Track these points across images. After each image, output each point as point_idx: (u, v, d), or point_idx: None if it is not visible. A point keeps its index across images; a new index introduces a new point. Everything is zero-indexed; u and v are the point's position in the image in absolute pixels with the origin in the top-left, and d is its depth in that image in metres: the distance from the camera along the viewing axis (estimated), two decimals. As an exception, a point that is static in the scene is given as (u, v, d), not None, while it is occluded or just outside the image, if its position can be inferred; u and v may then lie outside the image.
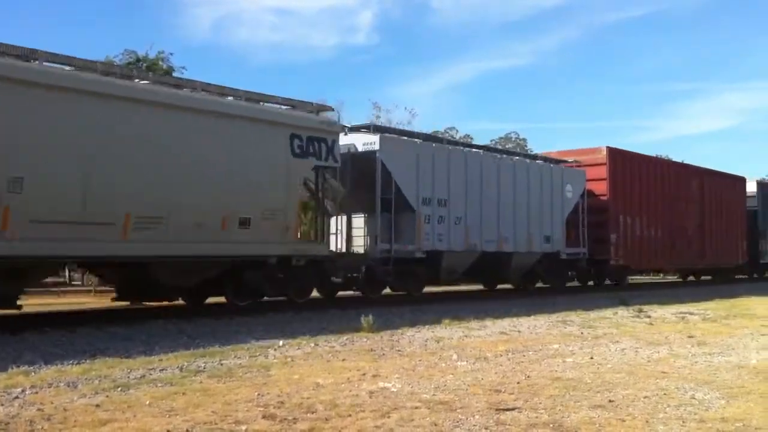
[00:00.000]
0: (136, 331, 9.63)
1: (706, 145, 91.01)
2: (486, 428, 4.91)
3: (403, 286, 15.77)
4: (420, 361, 7.69)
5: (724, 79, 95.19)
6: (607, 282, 23.24)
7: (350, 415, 5.16)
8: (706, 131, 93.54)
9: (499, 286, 22.33)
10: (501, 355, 8.16)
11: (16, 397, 5.60)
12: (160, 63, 26.42)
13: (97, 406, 5.35)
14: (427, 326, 10.78)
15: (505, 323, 11.45)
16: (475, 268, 17.29)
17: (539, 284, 20.81)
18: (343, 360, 7.70)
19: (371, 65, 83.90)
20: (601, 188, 21.54)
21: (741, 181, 29.76)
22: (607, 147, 21.90)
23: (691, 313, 13.80)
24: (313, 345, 8.71)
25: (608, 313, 13.58)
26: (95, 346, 8.39)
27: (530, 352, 8.44)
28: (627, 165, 22.38)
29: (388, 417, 5.13)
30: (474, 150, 17.96)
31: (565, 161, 21.24)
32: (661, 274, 33.33)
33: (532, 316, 12.59)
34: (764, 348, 9.05)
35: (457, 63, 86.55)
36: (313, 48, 79.68)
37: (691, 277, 32.07)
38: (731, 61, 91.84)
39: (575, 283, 22.62)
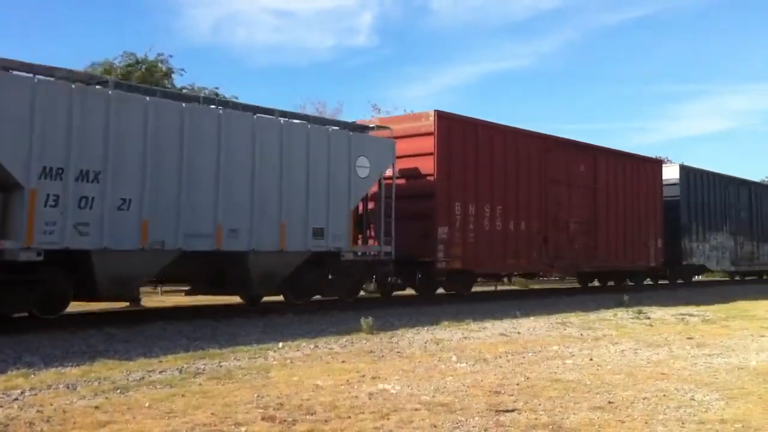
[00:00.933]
0: (135, 333, 9.62)
1: (706, 147, 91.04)
2: (485, 430, 4.90)
3: None
4: (419, 362, 7.69)
5: (724, 80, 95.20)
6: (442, 291, 17.35)
7: (350, 417, 5.16)
8: (707, 133, 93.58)
9: (500, 287, 22.34)
10: (500, 357, 8.15)
11: (16, 399, 5.60)
12: (160, 65, 26.46)
13: (97, 407, 5.34)
14: (426, 328, 10.78)
15: (505, 325, 11.45)
16: (192, 273, 12.35)
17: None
18: (343, 362, 7.70)
19: (370, 67, 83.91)
20: (428, 166, 15.51)
21: (655, 164, 24.04)
22: (436, 111, 15.58)
23: (690, 315, 13.80)
24: (312, 347, 8.71)
25: (608, 314, 13.58)
26: (94, 347, 8.39)
27: (530, 354, 8.44)
28: (468, 136, 16.20)
29: (388, 419, 5.13)
30: (167, 100, 11.40)
31: (368, 128, 15.54)
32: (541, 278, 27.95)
33: (532, 318, 12.58)
34: (764, 349, 9.06)
35: (456, 65, 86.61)
36: (312, 49, 79.65)
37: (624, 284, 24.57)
38: (731, 62, 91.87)
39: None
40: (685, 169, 25.55)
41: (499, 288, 22.74)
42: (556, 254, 18.77)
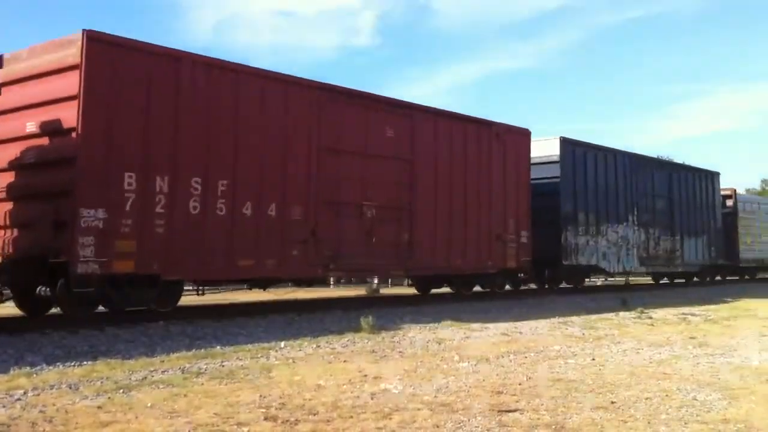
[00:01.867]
0: (137, 333, 9.62)
1: (708, 147, 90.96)
2: (488, 430, 4.90)
3: None
4: (421, 362, 7.69)
5: (726, 80, 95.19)
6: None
7: (352, 417, 5.16)
8: (708, 133, 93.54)
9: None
10: (502, 357, 8.15)
11: (18, 399, 5.60)
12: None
13: (99, 407, 5.35)
14: (428, 327, 10.78)
15: (507, 324, 11.45)
16: None
17: (528, 285, 20.18)
18: (345, 361, 7.70)
19: (373, 66, 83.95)
20: (71, 118, 9.77)
21: (518, 135, 17.08)
22: (86, 32, 9.71)
23: (692, 314, 13.79)
24: (314, 346, 8.71)
25: (610, 314, 13.58)
26: (97, 347, 8.39)
27: (532, 354, 8.43)
28: (159, 74, 10.46)
29: (390, 418, 5.13)
30: None
31: None
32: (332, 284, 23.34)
33: (534, 317, 12.58)
34: (766, 349, 9.05)
35: (459, 64, 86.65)
36: (315, 49, 79.70)
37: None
38: (733, 62, 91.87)
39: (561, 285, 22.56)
40: (569, 144, 19.33)
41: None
42: (335, 253, 12.82)
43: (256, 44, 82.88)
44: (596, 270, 21.35)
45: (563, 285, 21.35)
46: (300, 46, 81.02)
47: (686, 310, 14.80)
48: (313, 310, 13.00)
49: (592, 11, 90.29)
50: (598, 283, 27.20)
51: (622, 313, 13.64)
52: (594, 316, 13.09)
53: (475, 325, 11.17)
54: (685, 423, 5.14)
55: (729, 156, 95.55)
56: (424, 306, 14.39)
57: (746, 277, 32.77)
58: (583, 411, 5.44)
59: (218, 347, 8.52)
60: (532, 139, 17.82)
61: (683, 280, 26.78)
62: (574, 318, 12.71)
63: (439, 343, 9.18)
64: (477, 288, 18.04)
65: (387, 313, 12.68)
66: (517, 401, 5.76)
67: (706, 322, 12.65)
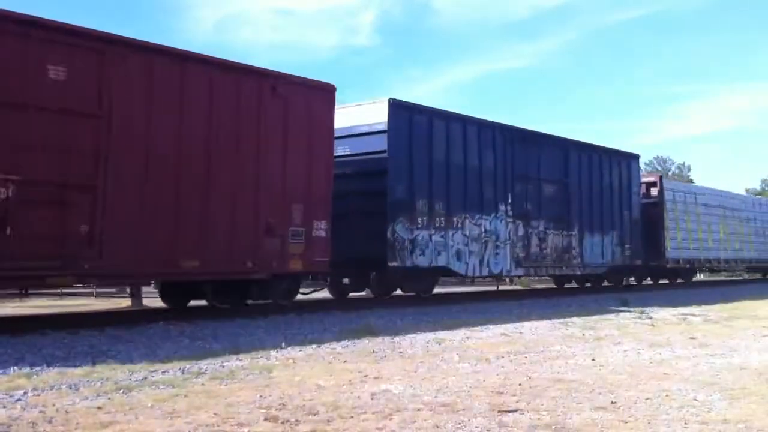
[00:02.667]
0: (137, 333, 9.62)
1: (708, 147, 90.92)
2: (488, 430, 4.90)
3: None
4: (422, 362, 7.69)
5: (726, 80, 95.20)
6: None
7: (352, 417, 5.16)
8: (708, 133, 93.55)
9: (502, 287, 22.34)
10: (503, 357, 8.15)
11: (18, 399, 5.60)
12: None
13: (99, 408, 5.35)
14: (428, 328, 10.77)
15: (507, 325, 11.45)
16: None
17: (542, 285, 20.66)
18: (345, 362, 7.70)
19: (372, 66, 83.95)
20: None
21: (316, 93, 12.71)
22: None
23: (693, 315, 13.79)
24: (314, 346, 8.71)
25: (610, 314, 13.58)
26: (97, 348, 8.39)
27: (532, 354, 8.43)
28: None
29: (390, 419, 5.13)
30: None
31: None
32: None
33: (534, 318, 12.58)
34: (766, 349, 9.04)
35: (458, 64, 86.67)
36: (315, 48, 79.75)
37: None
38: (733, 62, 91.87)
39: (571, 285, 22.56)
40: (403, 109, 14.55)
41: (501, 288, 22.77)
42: None
43: (256, 42, 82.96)
44: (447, 273, 16.20)
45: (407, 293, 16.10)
46: (300, 44, 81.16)
47: (686, 310, 14.80)
48: (314, 310, 13.00)
49: (591, 11, 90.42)
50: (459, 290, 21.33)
51: (622, 314, 13.64)
52: (594, 317, 13.09)
53: (476, 326, 11.17)
54: (686, 423, 5.14)
55: (729, 156, 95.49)
56: (425, 306, 14.39)
57: (679, 280, 27.44)
58: (584, 411, 5.44)
59: (218, 347, 8.52)
60: (357, 103, 14.74)
61: (588, 285, 22.40)
62: (575, 318, 12.71)
63: (440, 344, 9.18)
64: (475, 289, 18.04)
65: (387, 313, 12.68)
66: (517, 401, 5.76)
67: (707, 322, 12.65)
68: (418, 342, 9.31)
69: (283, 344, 8.76)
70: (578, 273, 20.36)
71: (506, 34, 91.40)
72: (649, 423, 5.13)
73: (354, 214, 14.07)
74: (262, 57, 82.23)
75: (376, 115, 14.48)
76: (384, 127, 14.31)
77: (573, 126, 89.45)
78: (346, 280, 15.49)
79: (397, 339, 9.52)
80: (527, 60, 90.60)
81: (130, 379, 6.48)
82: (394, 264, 14.14)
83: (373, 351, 8.47)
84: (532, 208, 17.93)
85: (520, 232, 17.51)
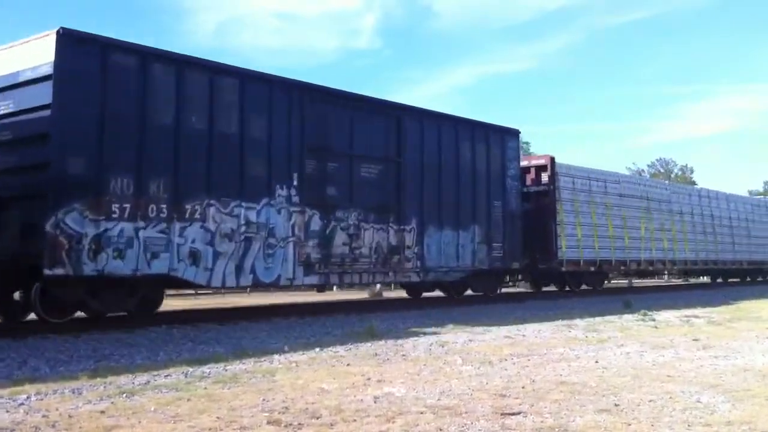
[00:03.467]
0: (140, 337, 9.64)
1: (710, 148, 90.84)
2: (491, 433, 4.89)
3: None
4: (424, 365, 7.68)
5: (728, 81, 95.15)
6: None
7: (355, 420, 5.15)
8: (709, 133, 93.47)
9: (504, 290, 22.31)
10: (506, 360, 8.14)
11: (21, 404, 5.61)
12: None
13: (102, 412, 5.35)
14: (431, 331, 10.77)
15: (510, 327, 11.44)
16: None
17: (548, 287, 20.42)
18: (348, 365, 7.70)
19: (374, 69, 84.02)
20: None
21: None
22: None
23: (696, 317, 13.76)
24: (317, 350, 8.71)
25: (613, 316, 13.55)
26: (100, 352, 8.41)
27: (535, 356, 8.42)
28: None
29: (393, 422, 5.12)
30: None
31: None
32: None
33: (537, 320, 12.57)
34: (770, 351, 9.02)
35: (459, 66, 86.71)
36: (316, 52, 79.81)
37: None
38: (734, 63, 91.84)
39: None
40: (90, 46, 10.17)
41: (504, 290, 22.75)
42: None
43: (257, 46, 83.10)
44: (174, 283, 11.83)
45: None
46: (301, 48, 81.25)
47: (689, 312, 14.77)
48: (316, 313, 13.01)
49: (592, 13, 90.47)
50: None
51: (625, 316, 13.62)
52: (597, 319, 13.07)
53: (479, 328, 11.16)
54: (689, 425, 5.13)
55: (732, 158, 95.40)
56: (427, 309, 14.39)
57: (584, 286, 21.99)
58: (587, 414, 5.43)
59: (221, 351, 8.52)
60: (24, 40, 10.41)
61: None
62: (578, 321, 12.69)
63: (442, 346, 9.17)
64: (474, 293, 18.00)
65: (390, 316, 12.69)
66: (520, 404, 5.75)
67: (710, 324, 12.62)
68: (420, 345, 9.30)
69: (286, 348, 8.76)
70: (415, 279, 15.23)
71: (507, 36, 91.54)
72: (652, 425, 5.12)
73: (9, 199, 10.16)
74: (264, 61, 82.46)
75: (43, 55, 10.07)
76: (49, 70, 9.90)
77: (575, 128, 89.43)
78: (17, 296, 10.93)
79: (399, 342, 9.51)
80: (528, 62, 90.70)
81: (133, 383, 6.49)
82: (59, 271, 9.60)
83: (376, 354, 8.47)
84: (339, 193, 13.49)
85: (315, 225, 12.97)
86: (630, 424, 5.13)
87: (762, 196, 34.76)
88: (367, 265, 13.90)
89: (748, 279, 32.72)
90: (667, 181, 25.76)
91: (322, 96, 13.35)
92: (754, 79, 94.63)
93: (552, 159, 19.75)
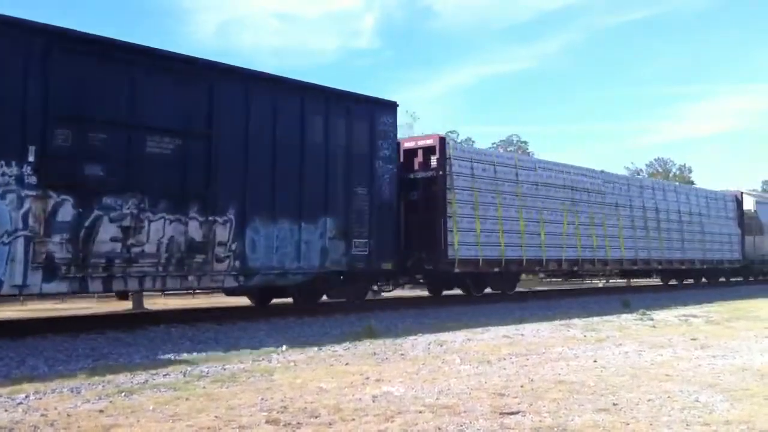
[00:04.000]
0: (138, 336, 9.63)
1: (709, 148, 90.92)
2: (490, 432, 4.89)
3: None
4: (423, 365, 7.68)
5: (727, 81, 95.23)
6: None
7: (354, 420, 5.16)
8: (709, 134, 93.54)
9: (390, 295, 20.81)
10: (504, 359, 8.14)
11: (20, 403, 5.60)
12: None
13: (101, 411, 5.35)
14: (429, 330, 10.77)
15: (508, 327, 11.44)
16: None
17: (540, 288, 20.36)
18: (346, 364, 7.70)
19: (374, 69, 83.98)
20: None
21: None
22: None
23: (694, 316, 13.77)
24: (315, 349, 8.71)
25: (611, 316, 13.56)
26: (98, 351, 8.40)
27: (533, 356, 8.42)
28: None
29: (392, 421, 5.12)
30: None
31: None
32: None
33: (535, 320, 12.57)
34: (768, 350, 9.03)
35: (459, 66, 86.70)
36: (316, 52, 79.77)
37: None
38: (734, 63, 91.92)
39: (569, 286, 22.49)
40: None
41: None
42: None
43: (258, 46, 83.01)
44: None
45: None
46: (301, 48, 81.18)
47: (688, 311, 14.79)
48: (314, 313, 13.01)
49: (592, 13, 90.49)
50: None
51: (624, 315, 13.63)
52: (596, 318, 13.08)
53: (477, 328, 11.16)
54: (688, 425, 5.13)
55: (730, 157, 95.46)
56: (426, 309, 14.39)
57: (482, 291, 18.25)
58: (585, 413, 5.44)
59: (220, 350, 8.52)
60: None
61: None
62: (576, 320, 12.70)
63: (441, 346, 9.17)
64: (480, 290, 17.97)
65: (389, 316, 12.69)
66: (519, 403, 5.75)
67: (708, 323, 12.63)
68: (419, 344, 9.30)
69: (285, 347, 8.76)
70: (231, 284, 12.07)
71: (507, 36, 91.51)
72: (651, 425, 5.12)
73: None
74: (265, 61, 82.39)
75: None
76: None
77: (576, 128, 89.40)
78: None
79: (398, 341, 9.51)
80: (528, 62, 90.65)
81: (132, 382, 6.49)
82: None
83: (375, 353, 8.47)
84: (108, 174, 10.33)
85: (65, 215, 9.86)
86: (628, 424, 5.13)
87: (723, 190, 30.44)
88: (151, 268, 10.73)
89: (704, 280, 29.07)
90: (601, 170, 21.35)
91: (83, 46, 10.19)
92: (754, 80, 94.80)
93: (442, 139, 16.25)
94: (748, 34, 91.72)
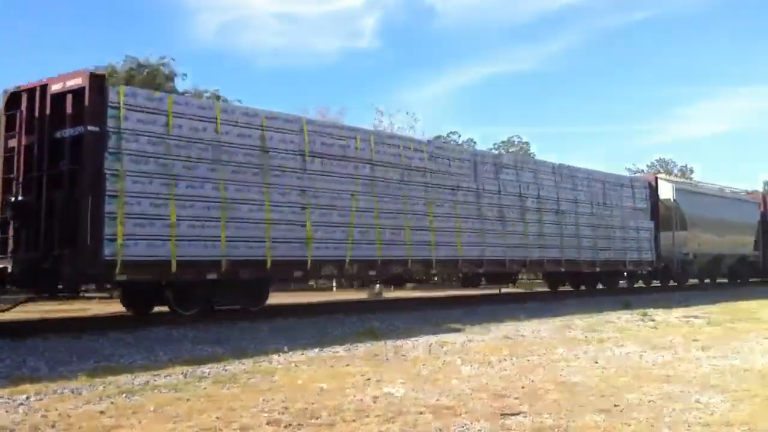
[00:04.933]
0: (139, 338, 9.63)
1: (710, 148, 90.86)
2: (491, 433, 4.89)
3: None
4: (424, 366, 7.68)
5: (729, 82, 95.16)
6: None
7: (354, 421, 5.15)
8: (711, 134, 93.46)
9: (504, 290, 22.28)
10: (505, 360, 8.14)
11: (21, 404, 5.60)
12: (162, 68, 26.50)
13: (102, 412, 5.35)
14: (430, 331, 10.76)
15: (509, 328, 11.43)
16: None
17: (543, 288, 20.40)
18: (347, 365, 7.69)
19: (375, 70, 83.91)
20: None
21: None
22: None
23: (695, 317, 13.76)
24: (317, 350, 8.71)
25: (612, 317, 13.55)
26: (99, 352, 8.40)
27: (534, 357, 8.42)
28: None
29: (393, 422, 5.12)
30: None
31: None
32: None
33: (536, 321, 12.56)
34: (769, 351, 9.02)
35: (461, 67, 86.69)
36: (317, 53, 79.72)
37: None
38: (735, 64, 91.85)
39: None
40: None
41: (503, 290, 22.77)
42: None
43: (259, 47, 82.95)
44: None
45: None
46: (302, 49, 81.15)
47: (689, 312, 14.77)
48: (315, 314, 13.00)
49: (594, 14, 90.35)
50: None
51: (625, 316, 13.61)
52: (596, 319, 13.06)
53: (478, 329, 11.15)
54: (689, 426, 5.13)
55: (731, 158, 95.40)
56: (427, 310, 14.39)
57: (189, 309, 12.13)
58: (586, 414, 5.43)
59: (220, 351, 8.51)
60: None
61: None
62: (577, 321, 12.69)
63: (442, 347, 9.17)
64: (478, 291, 17.99)
65: (390, 317, 12.69)
66: (519, 404, 5.75)
67: (709, 324, 12.61)
68: (420, 345, 9.29)
69: (286, 348, 8.75)
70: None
71: (509, 37, 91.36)
72: (652, 426, 5.12)
73: None
74: (265, 62, 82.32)
75: None
76: None
77: (577, 129, 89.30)
78: None
79: (399, 342, 9.51)
80: (531, 63, 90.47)
81: (133, 383, 6.48)
82: None
83: (375, 354, 8.46)
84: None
85: None
86: (629, 425, 5.13)
87: (634, 175, 24.71)
88: None
89: (600, 286, 23.08)
90: (431, 140, 16.80)
91: None
92: (755, 80, 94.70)
93: (98, 77, 10.93)
94: (749, 35, 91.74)
